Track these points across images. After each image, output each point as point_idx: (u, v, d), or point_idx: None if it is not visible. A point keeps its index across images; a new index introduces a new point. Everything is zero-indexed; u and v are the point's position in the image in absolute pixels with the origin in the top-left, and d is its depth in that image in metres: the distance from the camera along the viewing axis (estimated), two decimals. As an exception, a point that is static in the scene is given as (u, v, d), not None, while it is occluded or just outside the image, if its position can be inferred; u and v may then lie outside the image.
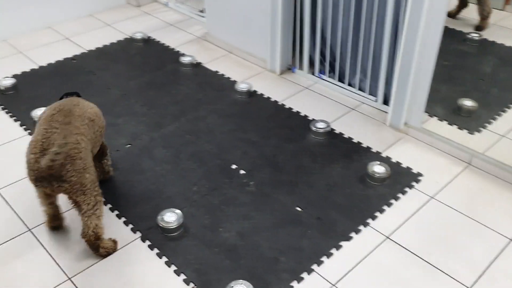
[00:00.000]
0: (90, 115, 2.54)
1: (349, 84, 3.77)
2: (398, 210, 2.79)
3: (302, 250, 2.54)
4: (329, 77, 3.87)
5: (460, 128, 3.36)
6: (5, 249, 2.58)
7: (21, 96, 3.79)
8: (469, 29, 4.58)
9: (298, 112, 3.57)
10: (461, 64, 4.12)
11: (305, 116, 3.52)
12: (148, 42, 4.59)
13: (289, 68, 4.10)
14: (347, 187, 2.92)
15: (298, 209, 2.78)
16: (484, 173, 3.02)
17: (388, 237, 2.62)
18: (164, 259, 2.52)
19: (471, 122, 3.42)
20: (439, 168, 3.07)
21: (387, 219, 2.73)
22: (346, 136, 3.33)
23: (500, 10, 4.97)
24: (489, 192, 2.89)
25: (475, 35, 4.43)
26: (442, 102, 3.59)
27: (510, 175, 2.95)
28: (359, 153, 3.18)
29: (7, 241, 2.62)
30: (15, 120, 3.52)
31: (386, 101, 3.53)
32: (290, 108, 3.61)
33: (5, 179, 3.03)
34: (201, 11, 4.96)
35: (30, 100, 3.73)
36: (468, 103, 3.50)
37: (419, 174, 3.02)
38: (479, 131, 3.35)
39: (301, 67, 4.02)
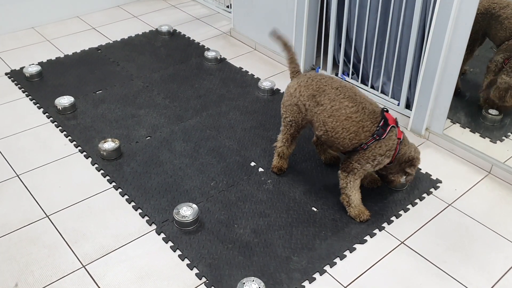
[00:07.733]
0: None
1: (372, 87, 3.74)
2: (415, 216, 2.77)
3: (315, 250, 2.54)
4: (352, 78, 3.85)
5: (482, 136, 3.33)
6: (22, 233, 2.62)
7: (46, 83, 3.83)
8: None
9: (319, 112, 3.55)
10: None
11: (326, 117, 3.51)
12: (173, 35, 4.60)
13: (312, 68, 4.09)
14: (364, 191, 2.90)
15: (314, 209, 2.78)
16: (504, 182, 2.99)
17: (402, 242, 2.61)
18: (178, 252, 2.53)
19: (494, 130, 3.39)
20: (458, 176, 3.04)
21: (403, 224, 2.72)
22: (366, 138, 3.31)
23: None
24: (508, 202, 2.86)
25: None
26: (466, 109, 3.55)
27: (530, 186, 2.92)
28: (378, 156, 3.16)
29: (25, 226, 2.66)
30: (38, 107, 3.56)
31: (408, 106, 3.51)
32: (312, 108, 3.60)
33: (25, 165, 3.07)
34: (228, 7, 4.97)
35: (54, 88, 3.77)
36: (492, 111, 3.46)
37: (438, 181, 2.99)
38: (501, 140, 3.31)
39: (324, 67, 4.01)
